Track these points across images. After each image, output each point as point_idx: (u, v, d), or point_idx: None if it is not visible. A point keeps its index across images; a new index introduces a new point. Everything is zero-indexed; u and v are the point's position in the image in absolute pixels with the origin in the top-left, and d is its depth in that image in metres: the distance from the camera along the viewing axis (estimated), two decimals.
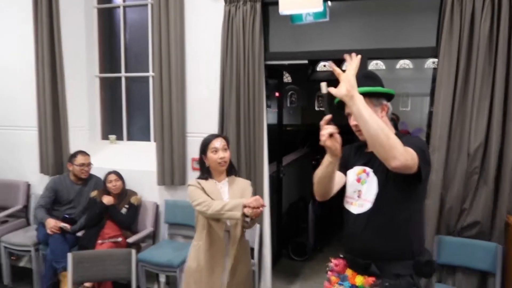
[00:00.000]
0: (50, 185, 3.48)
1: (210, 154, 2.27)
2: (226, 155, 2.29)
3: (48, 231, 3.21)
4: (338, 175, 1.73)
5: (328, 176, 1.64)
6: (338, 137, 1.51)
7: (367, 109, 1.42)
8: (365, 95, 1.51)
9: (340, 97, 1.46)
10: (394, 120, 4.37)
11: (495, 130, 2.60)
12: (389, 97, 1.71)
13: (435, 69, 2.80)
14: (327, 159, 1.59)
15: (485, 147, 2.66)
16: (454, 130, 2.71)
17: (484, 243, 2.68)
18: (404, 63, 7.34)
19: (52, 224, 3.22)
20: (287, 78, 11.58)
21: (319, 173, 1.66)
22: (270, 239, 3.32)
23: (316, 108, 10.46)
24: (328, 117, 1.50)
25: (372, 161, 1.65)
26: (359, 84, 1.52)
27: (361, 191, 1.67)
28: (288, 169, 4.56)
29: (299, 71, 9.12)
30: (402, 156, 1.39)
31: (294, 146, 7.56)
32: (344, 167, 1.77)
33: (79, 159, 3.45)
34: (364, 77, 1.64)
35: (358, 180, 1.69)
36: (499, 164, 2.63)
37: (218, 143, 2.27)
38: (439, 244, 2.76)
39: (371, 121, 1.40)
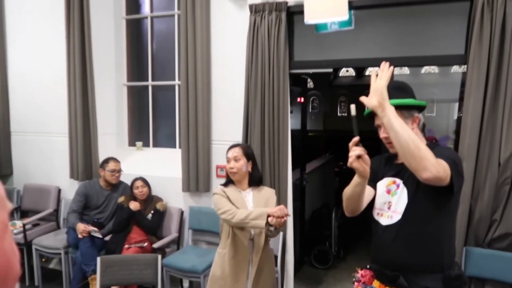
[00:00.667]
0: (81, 189, 3.60)
1: (227, 164, 2.35)
2: (236, 165, 2.32)
3: (79, 236, 3.31)
4: (367, 189, 1.71)
5: (357, 195, 1.64)
6: (366, 158, 1.49)
7: (398, 120, 1.43)
8: (396, 107, 1.51)
9: (371, 107, 1.47)
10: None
11: None
12: (420, 108, 1.69)
13: (464, 73, 2.74)
14: (355, 180, 1.58)
15: None
16: (484, 139, 2.65)
17: None
18: (430, 68, 7.21)
19: (82, 228, 3.32)
20: (309, 83, 11.55)
21: (348, 192, 1.67)
22: (293, 246, 3.31)
23: (339, 114, 10.38)
24: (356, 139, 1.49)
25: (402, 172, 1.64)
26: (390, 96, 1.51)
27: (391, 202, 1.66)
28: (311, 176, 4.54)
29: (321, 76, 9.08)
30: (434, 168, 1.38)
31: (317, 152, 7.53)
32: (373, 180, 1.75)
33: (111, 165, 3.55)
34: (395, 88, 1.62)
35: (388, 191, 1.68)
36: None
37: (231, 153, 2.34)
38: (467, 255, 2.69)
39: (402, 132, 1.40)
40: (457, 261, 1.72)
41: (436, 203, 1.57)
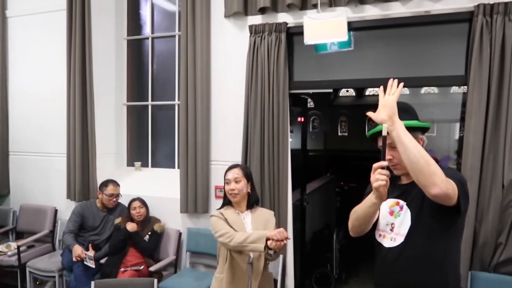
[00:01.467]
0: (77, 210, 3.53)
1: (226, 185, 2.30)
2: (237, 186, 2.26)
3: (74, 258, 3.23)
4: None
5: (369, 215, 1.62)
6: (388, 183, 1.47)
7: (407, 134, 1.43)
8: None
9: (380, 122, 1.47)
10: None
11: None
12: (424, 130, 1.67)
13: (464, 93, 2.72)
14: (371, 200, 1.54)
15: None
16: (487, 160, 2.61)
17: None
18: (429, 88, 7.23)
19: (78, 252, 3.23)
20: (309, 103, 11.60)
21: (359, 211, 1.64)
22: (293, 269, 3.23)
23: (339, 134, 10.37)
24: (384, 164, 1.48)
25: (406, 193, 1.61)
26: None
27: (394, 224, 1.62)
28: (312, 196, 4.48)
29: (322, 96, 9.12)
30: (443, 184, 1.37)
31: (318, 172, 7.48)
32: None
33: (110, 189, 3.49)
34: (399, 110, 1.55)
35: (391, 213, 1.65)
36: None
37: (231, 174, 2.28)
38: (473, 280, 2.62)
39: (412, 146, 1.40)
40: (463, 287, 1.66)
41: (441, 225, 1.53)
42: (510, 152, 2.55)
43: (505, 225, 2.58)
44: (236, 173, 2.29)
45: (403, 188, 1.63)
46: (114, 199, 3.51)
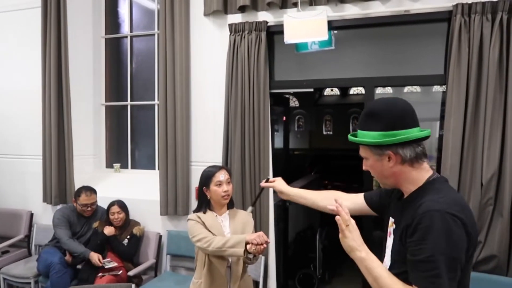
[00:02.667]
0: (61, 213, 3.36)
1: (213, 187, 2.19)
2: (230, 188, 2.22)
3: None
4: (361, 201, 1.65)
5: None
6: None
7: (370, 273, 1.23)
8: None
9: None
10: None
11: (509, 159, 2.52)
12: (406, 142, 1.28)
13: (444, 92, 2.73)
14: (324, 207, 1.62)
15: (499, 177, 2.57)
16: (466, 159, 2.62)
17: (501, 279, 2.55)
18: (412, 87, 7.30)
19: (96, 259, 3.10)
20: (294, 102, 11.62)
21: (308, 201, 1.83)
22: (275, 271, 3.20)
23: (324, 133, 10.41)
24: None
25: (397, 214, 1.38)
26: (360, 124, 1.34)
27: (388, 246, 1.42)
28: None
29: (307, 95, 9.11)
30: None
31: (302, 172, 7.47)
32: (377, 207, 1.60)
33: (82, 199, 3.32)
34: (366, 116, 1.33)
35: (389, 234, 1.42)
36: None
37: (223, 176, 2.20)
38: None
39: (373, 285, 1.23)
40: None
41: None
42: (488, 151, 2.57)
43: (484, 224, 2.60)
44: (227, 174, 2.24)
45: (398, 206, 1.39)
46: (89, 209, 3.36)
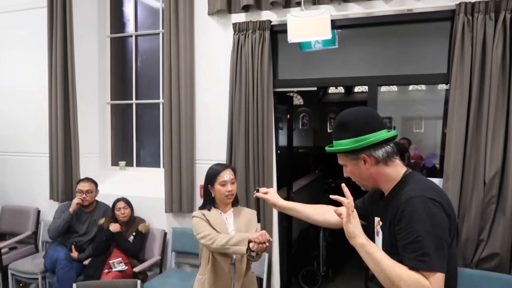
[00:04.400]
0: (60, 209, 3.46)
1: (218, 186, 2.23)
2: (234, 188, 2.25)
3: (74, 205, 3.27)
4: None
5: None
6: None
7: (371, 257, 1.28)
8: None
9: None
10: (404, 146, 4.27)
11: None
12: (380, 143, 1.39)
13: (447, 90, 2.74)
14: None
15: (502, 176, 2.58)
16: (469, 158, 2.63)
17: (504, 276, 2.56)
18: (417, 85, 7.28)
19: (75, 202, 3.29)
20: (298, 100, 11.64)
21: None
22: (279, 268, 3.23)
23: (329, 130, 10.41)
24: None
25: (381, 212, 1.47)
26: (334, 135, 1.46)
27: (378, 244, 1.48)
28: (299, 194, 4.48)
29: (311, 93, 9.11)
30: None
31: (306, 170, 7.48)
32: (366, 212, 1.64)
33: (79, 185, 3.43)
34: (338, 126, 1.45)
35: (377, 233, 1.50)
36: None
37: (227, 176, 2.23)
38: None
39: (376, 271, 1.27)
40: None
41: None
42: (491, 149, 2.57)
43: (487, 222, 2.61)
44: (232, 174, 2.26)
45: (381, 204, 1.47)
46: (84, 196, 3.41)
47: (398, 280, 1.21)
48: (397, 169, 1.42)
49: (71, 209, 3.33)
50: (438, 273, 1.20)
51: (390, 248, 1.34)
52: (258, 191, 2.00)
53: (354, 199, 1.47)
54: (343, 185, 1.37)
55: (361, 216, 1.60)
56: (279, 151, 4.25)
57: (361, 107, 1.48)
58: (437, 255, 1.21)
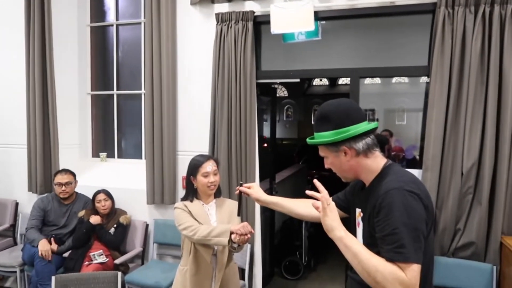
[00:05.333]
0: (38, 204, 3.42)
1: (200, 178, 2.22)
2: (216, 179, 2.25)
3: (40, 253, 3.09)
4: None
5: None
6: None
7: (349, 250, 1.29)
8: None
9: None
10: (385, 137, 4.32)
11: (489, 149, 2.58)
12: (360, 136, 1.39)
13: (428, 83, 2.78)
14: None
15: (479, 167, 2.64)
16: (447, 149, 2.68)
17: (479, 264, 2.63)
18: (400, 78, 7.37)
19: (45, 248, 3.11)
20: (283, 92, 11.64)
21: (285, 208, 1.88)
22: (261, 259, 3.25)
23: (313, 122, 10.44)
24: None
25: (362, 203, 1.48)
26: (315, 128, 1.46)
27: (358, 235, 1.50)
28: (283, 185, 4.50)
29: (296, 85, 9.11)
30: None
31: (290, 161, 7.52)
32: (345, 207, 1.67)
33: (57, 178, 3.37)
34: (319, 119, 1.46)
35: (358, 224, 1.51)
36: (492, 184, 2.60)
37: (210, 167, 2.22)
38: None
39: (354, 262, 1.28)
40: None
41: None
42: (469, 141, 2.62)
43: (464, 212, 2.67)
44: (214, 165, 2.25)
45: (362, 195, 1.49)
46: (63, 188, 3.36)
47: (374, 271, 1.22)
48: (377, 161, 1.43)
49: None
50: (414, 264, 1.21)
51: (369, 240, 1.36)
52: (241, 185, 1.98)
53: (334, 193, 1.48)
54: (315, 180, 1.39)
55: (343, 209, 1.67)
56: (266, 144, 4.27)
57: (341, 99, 1.48)
58: (413, 247, 1.22)
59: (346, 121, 1.39)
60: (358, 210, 1.51)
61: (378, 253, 1.28)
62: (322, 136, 1.43)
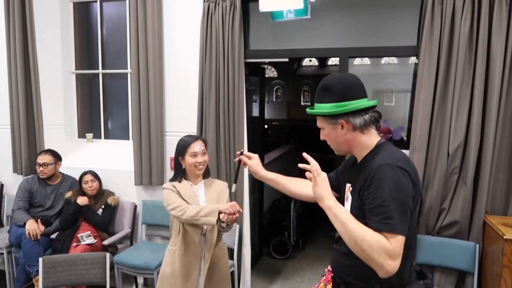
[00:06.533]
0: (23, 185, 3.37)
1: (188, 158, 2.21)
2: (205, 159, 2.24)
3: (27, 233, 3.07)
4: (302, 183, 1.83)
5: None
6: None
7: (338, 219, 1.32)
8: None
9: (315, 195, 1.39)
10: (380, 114, 4.33)
11: (475, 130, 2.60)
12: (359, 111, 1.42)
13: (416, 64, 2.77)
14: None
15: (465, 147, 2.66)
16: (434, 130, 2.70)
17: (462, 243, 2.69)
18: (389, 58, 7.36)
19: (33, 227, 3.10)
20: (272, 72, 11.56)
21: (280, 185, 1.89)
22: (250, 239, 3.28)
23: (302, 103, 10.44)
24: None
25: (352, 178, 1.52)
26: (316, 98, 1.48)
27: (346, 208, 1.52)
28: (272, 166, 4.51)
29: (285, 65, 9.04)
30: (383, 269, 1.25)
31: (279, 142, 7.53)
32: (338, 182, 1.70)
33: (38, 159, 3.33)
34: (320, 90, 1.47)
35: (347, 198, 1.55)
36: (477, 164, 2.64)
37: (198, 147, 2.21)
38: (418, 243, 2.76)
39: (342, 231, 1.32)
40: (429, 279, 1.62)
41: None
42: (455, 122, 2.64)
43: (449, 191, 2.72)
44: (203, 145, 2.24)
45: (353, 171, 1.53)
46: (41, 169, 3.31)
47: (361, 240, 1.27)
48: (372, 138, 1.47)
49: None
50: (400, 235, 1.27)
51: (358, 211, 1.41)
52: (242, 153, 1.96)
53: (330, 154, 1.57)
54: (304, 154, 1.44)
55: (335, 188, 1.68)
56: (267, 126, 4.23)
57: (346, 73, 1.51)
58: (400, 219, 1.28)
59: (347, 95, 1.42)
60: (348, 185, 1.55)
61: (366, 224, 1.32)
62: (322, 108, 1.45)
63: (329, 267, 1.69)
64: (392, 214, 1.27)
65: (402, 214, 1.29)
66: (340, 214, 1.33)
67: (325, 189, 1.37)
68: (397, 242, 1.27)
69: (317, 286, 1.72)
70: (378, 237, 1.27)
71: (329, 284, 1.66)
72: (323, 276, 1.73)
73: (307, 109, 1.53)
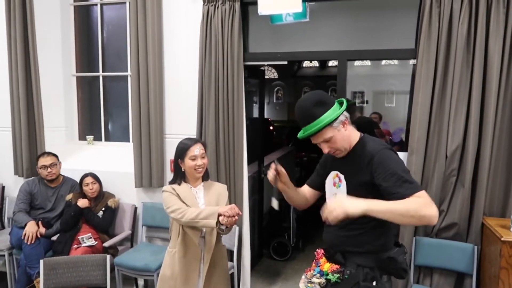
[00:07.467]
0: (24, 187, 3.39)
1: (188, 161, 2.22)
2: (204, 162, 2.25)
3: (23, 233, 3.09)
4: (309, 190, 2.00)
5: (289, 198, 1.99)
6: (283, 175, 1.86)
7: (380, 209, 1.51)
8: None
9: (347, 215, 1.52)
10: (376, 121, 4.35)
11: (472, 132, 2.61)
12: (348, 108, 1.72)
13: (415, 65, 2.79)
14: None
15: (463, 150, 2.67)
16: (432, 132, 2.71)
17: (461, 244, 2.70)
18: (390, 60, 7.36)
19: (31, 229, 3.11)
20: (273, 74, 11.56)
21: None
22: (249, 240, 3.29)
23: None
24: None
25: (343, 167, 1.76)
26: (309, 120, 1.64)
27: (336, 194, 1.79)
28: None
29: (285, 67, 9.04)
30: (433, 213, 1.48)
31: (280, 143, 7.54)
32: (323, 175, 1.90)
33: (40, 161, 3.34)
34: (316, 105, 1.64)
35: (334, 184, 1.81)
36: (475, 167, 2.65)
37: (197, 150, 2.22)
38: (417, 245, 2.78)
39: (392, 217, 1.51)
40: (404, 247, 1.81)
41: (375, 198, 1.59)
42: (453, 124, 2.65)
43: (447, 194, 2.73)
44: (202, 148, 2.25)
45: (342, 161, 1.77)
46: (49, 170, 3.33)
47: (406, 211, 1.47)
48: (355, 131, 1.75)
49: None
50: (421, 191, 1.53)
51: (359, 188, 1.66)
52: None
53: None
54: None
55: (319, 189, 1.96)
56: (272, 127, 4.24)
57: (311, 91, 1.76)
58: (414, 180, 1.57)
59: (332, 99, 1.69)
60: (334, 172, 1.80)
61: (373, 198, 1.54)
62: (323, 119, 1.61)
63: (318, 250, 1.92)
64: (408, 179, 1.55)
65: (411, 178, 1.57)
66: (378, 207, 1.50)
67: (349, 204, 1.49)
68: (425, 195, 1.51)
69: (310, 268, 1.89)
70: (413, 199, 1.49)
71: (321, 259, 1.87)
72: (313, 261, 1.92)
73: (299, 135, 1.70)
